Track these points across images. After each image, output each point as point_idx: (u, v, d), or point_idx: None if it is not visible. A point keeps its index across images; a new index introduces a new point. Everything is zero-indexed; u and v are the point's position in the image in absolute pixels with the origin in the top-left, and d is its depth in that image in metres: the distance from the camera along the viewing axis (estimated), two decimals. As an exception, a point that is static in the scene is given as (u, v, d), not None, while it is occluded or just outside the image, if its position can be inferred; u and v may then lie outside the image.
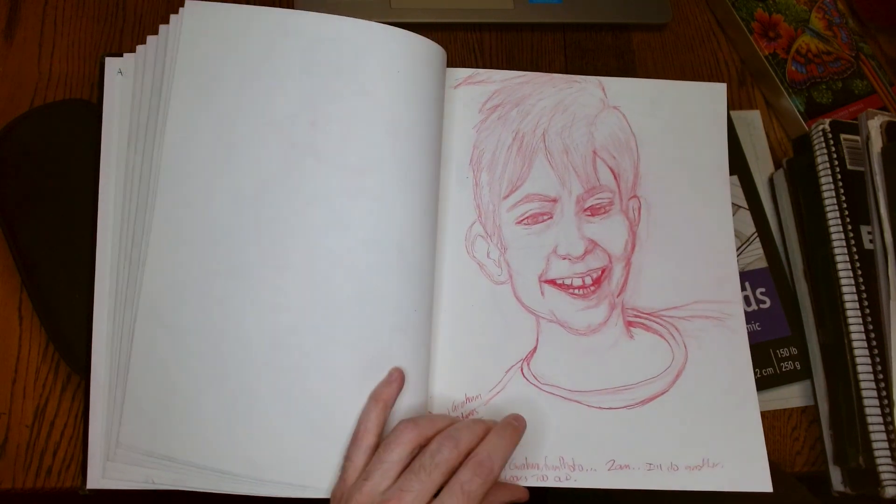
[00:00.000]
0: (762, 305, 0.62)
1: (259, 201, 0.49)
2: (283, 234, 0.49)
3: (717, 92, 0.60)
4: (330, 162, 0.50)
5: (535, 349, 0.53)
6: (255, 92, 0.50)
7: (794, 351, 0.61)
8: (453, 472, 0.43)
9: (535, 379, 0.53)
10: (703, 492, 0.53)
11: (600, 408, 0.53)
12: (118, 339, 0.49)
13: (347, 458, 0.46)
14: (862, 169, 0.60)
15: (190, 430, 0.47)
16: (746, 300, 0.62)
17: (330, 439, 0.47)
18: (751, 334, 0.61)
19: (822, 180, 0.60)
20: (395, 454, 0.44)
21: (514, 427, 0.46)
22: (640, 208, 0.57)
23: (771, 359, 0.60)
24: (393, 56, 0.52)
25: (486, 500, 0.44)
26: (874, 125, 0.60)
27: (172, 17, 0.51)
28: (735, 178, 0.64)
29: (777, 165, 0.67)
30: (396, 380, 0.48)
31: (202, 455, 0.47)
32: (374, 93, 0.51)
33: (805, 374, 0.60)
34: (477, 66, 0.67)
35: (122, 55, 0.53)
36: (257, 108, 0.50)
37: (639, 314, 0.55)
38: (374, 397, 0.47)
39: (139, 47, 0.53)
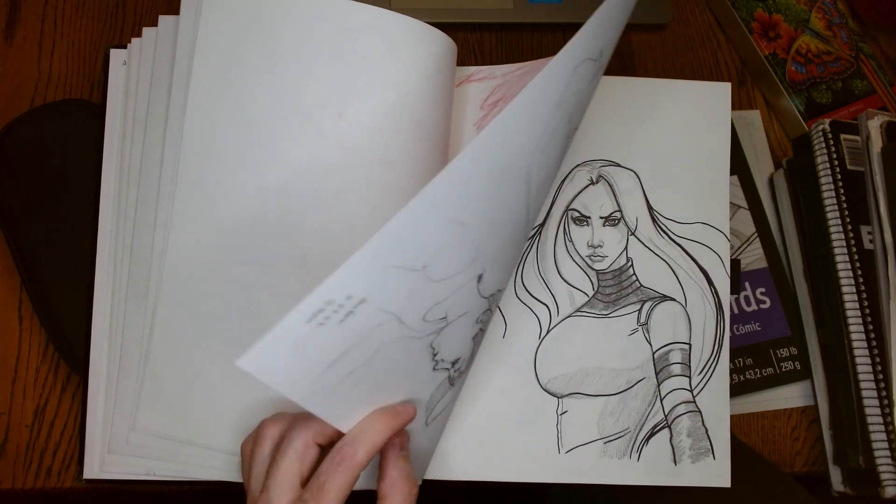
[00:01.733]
0: (762, 305, 0.62)
1: (284, 193, 0.48)
2: (308, 226, 0.48)
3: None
4: (357, 154, 0.49)
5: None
6: (281, 79, 0.49)
7: (794, 351, 0.61)
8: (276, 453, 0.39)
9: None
10: (704, 490, 0.53)
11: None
12: (119, 330, 0.50)
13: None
14: (862, 169, 0.60)
15: (209, 416, 0.48)
16: (746, 300, 0.62)
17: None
18: (751, 334, 0.61)
19: (822, 180, 0.60)
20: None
21: (393, 410, 0.40)
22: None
23: (771, 359, 0.60)
24: (422, 51, 0.51)
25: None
26: (874, 125, 0.60)
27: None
28: (735, 178, 0.64)
29: (777, 165, 0.67)
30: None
31: (220, 440, 0.47)
32: (403, 87, 0.50)
33: (805, 374, 0.60)
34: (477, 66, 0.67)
35: (125, 47, 0.53)
36: (283, 97, 0.49)
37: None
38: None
39: (136, 40, 0.53)
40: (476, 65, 0.67)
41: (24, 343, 0.55)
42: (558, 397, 0.53)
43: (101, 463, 0.49)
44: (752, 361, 0.60)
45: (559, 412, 0.53)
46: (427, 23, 0.66)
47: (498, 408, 0.53)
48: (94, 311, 0.50)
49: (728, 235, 0.57)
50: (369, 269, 0.37)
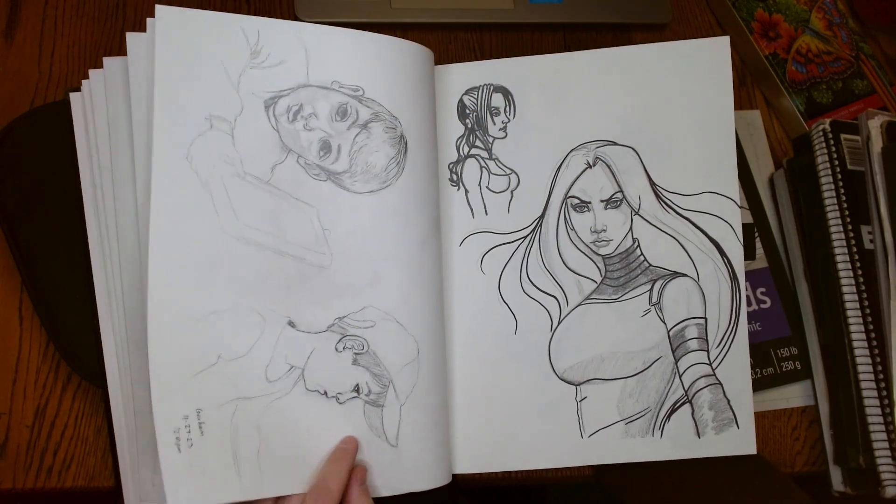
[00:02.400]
0: (762, 305, 0.62)
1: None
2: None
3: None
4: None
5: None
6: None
7: (794, 351, 0.61)
8: None
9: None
10: (704, 490, 0.53)
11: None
12: (126, 360, 0.48)
13: None
14: (862, 169, 0.60)
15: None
16: (746, 300, 0.62)
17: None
18: (751, 334, 0.61)
19: (823, 180, 0.60)
20: None
21: (344, 450, 0.48)
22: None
23: (771, 359, 0.60)
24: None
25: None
26: (874, 125, 0.60)
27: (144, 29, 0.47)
28: (735, 177, 0.63)
29: (777, 165, 0.67)
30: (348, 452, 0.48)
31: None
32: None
33: (805, 374, 0.60)
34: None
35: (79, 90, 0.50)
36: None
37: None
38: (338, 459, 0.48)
39: (86, 82, 0.49)
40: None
41: (24, 343, 0.55)
42: (576, 385, 0.54)
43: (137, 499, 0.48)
44: (753, 361, 0.60)
45: (578, 399, 0.53)
46: (427, 23, 0.67)
47: (517, 401, 0.53)
48: (106, 358, 0.48)
49: (738, 201, 0.55)
50: (178, 391, 0.45)
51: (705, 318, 0.54)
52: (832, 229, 0.59)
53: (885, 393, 0.55)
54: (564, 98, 0.56)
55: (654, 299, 0.54)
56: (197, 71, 0.47)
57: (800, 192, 0.62)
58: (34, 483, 0.52)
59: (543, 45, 0.68)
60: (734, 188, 0.55)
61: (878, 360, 0.56)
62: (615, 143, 0.56)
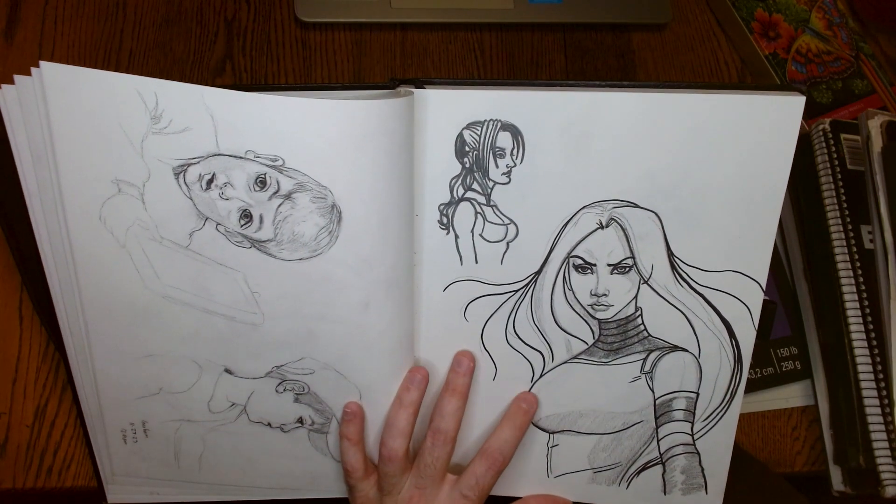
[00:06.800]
0: (762, 305, 0.62)
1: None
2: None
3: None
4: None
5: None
6: None
7: (794, 351, 0.61)
8: (451, 456, 0.48)
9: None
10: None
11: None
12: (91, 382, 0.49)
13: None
14: (862, 169, 0.60)
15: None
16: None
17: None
18: (751, 334, 0.61)
19: (823, 180, 0.60)
20: (397, 467, 0.47)
21: (524, 410, 0.49)
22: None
23: (771, 359, 0.60)
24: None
25: None
26: (874, 125, 0.60)
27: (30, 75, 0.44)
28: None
29: (777, 165, 0.67)
30: (420, 383, 0.48)
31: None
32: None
33: (805, 373, 0.60)
34: (477, 66, 0.67)
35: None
36: None
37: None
38: (398, 403, 0.48)
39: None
40: (476, 65, 0.67)
41: (24, 343, 0.55)
42: (550, 433, 0.51)
43: (107, 491, 0.51)
44: (753, 361, 0.60)
45: (549, 445, 0.51)
46: (427, 23, 0.67)
47: (486, 436, 0.50)
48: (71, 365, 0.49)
49: (763, 286, 0.48)
50: (123, 407, 0.49)
51: (697, 394, 0.50)
52: (832, 229, 0.59)
53: (885, 393, 0.55)
54: (586, 146, 0.45)
55: (647, 369, 0.50)
56: (96, 132, 0.42)
57: (800, 192, 0.62)
58: (34, 483, 0.52)
59: (543, 45, 0.68)
60: (763, 271, 0.48)
61: (878, 360, 0.56)
62: (636, 206, 0.47)
